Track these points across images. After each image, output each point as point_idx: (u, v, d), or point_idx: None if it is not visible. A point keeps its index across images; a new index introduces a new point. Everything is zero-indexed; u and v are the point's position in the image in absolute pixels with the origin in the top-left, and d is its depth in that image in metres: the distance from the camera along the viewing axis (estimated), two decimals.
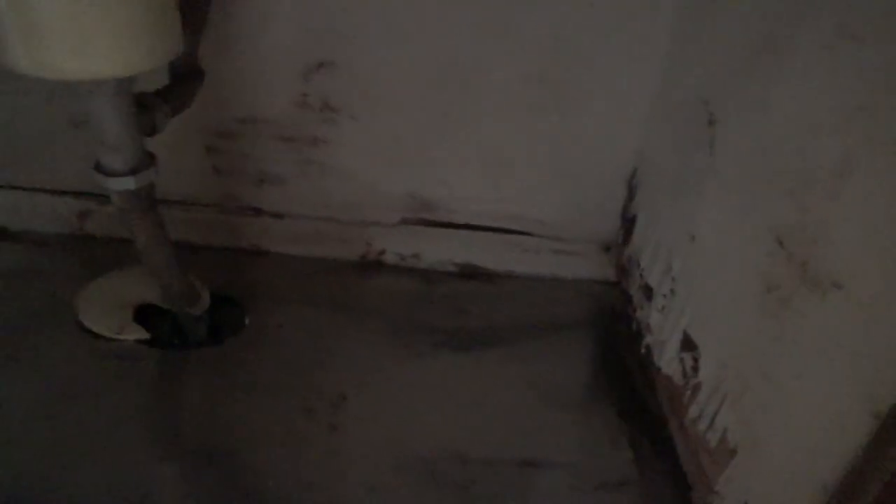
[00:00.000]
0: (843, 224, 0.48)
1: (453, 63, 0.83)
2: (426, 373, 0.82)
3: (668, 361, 0.74)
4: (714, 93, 0.69)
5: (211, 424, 0.73)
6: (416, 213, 0.94)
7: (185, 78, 0.74)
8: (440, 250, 0.95)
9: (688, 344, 0.70)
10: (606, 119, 0.86)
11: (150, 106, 0.68)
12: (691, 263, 0.71)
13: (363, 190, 0.92)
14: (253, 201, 0.93)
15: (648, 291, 0.82)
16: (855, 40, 0.50)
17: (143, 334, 0.81)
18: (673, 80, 0.79)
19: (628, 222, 0.90)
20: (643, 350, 0.82)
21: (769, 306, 0.56)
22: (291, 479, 0.68)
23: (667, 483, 0.71)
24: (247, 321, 0.85)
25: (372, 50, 0.82)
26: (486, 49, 0.82)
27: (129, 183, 0.67)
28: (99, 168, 0.67)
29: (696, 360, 0.68)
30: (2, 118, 0.87)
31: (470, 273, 0.96)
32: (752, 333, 0.58)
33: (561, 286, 0.96)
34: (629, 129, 0.87)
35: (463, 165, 0.90)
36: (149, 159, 0.69)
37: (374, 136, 0.88)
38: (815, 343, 0.50)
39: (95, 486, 0.66)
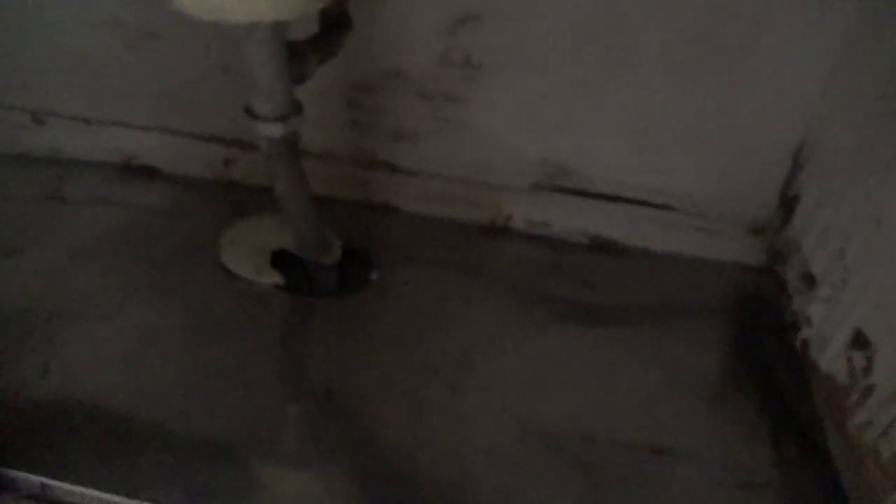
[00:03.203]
0: None
1: (605, 20, 0.77)
2: (549, 344, 0.79)
3: (831, 358, 0.66)
4: None
5: (335, 371, 0.75)
6: (550, 178, 0.90)
7: (334, 27, 0.74)
8: (572, 219, 0.91)
9: (860, 341, 0.62)
10: (772, 87, 0.78)
11: (300, 53, 0.69)
12: (874, 250, 0.63)
13: (497, 151, 0.89)
14: (388, 157, 0.93)
15: (810, 280, 0.74)
16: None
17: (279, 279, 0.83)
18: (863, 41, 0.70)
19: (789, 202, 0.81)
20: (798, 344, 0.74)
21: None
22: (409, 433, 0.68)
23: (815, 491, 0.65)
24: (374, 276, 0.86)
25: (520, 5, 0.78)
26: (643, 4, 0.76)
27: (277, 129, 0.68)
28: (250, 112, 0.69)
29: (868, 359, 0.60)
30: (160, 64, 0.91)
31: (602, 245, 0.91)
32: None
33: (701, 267, 0.89)
34: (799, 99, 0.78)
35: (604, 131, 0.85)
36: (297, 107, 0.70)
37: (514, 96, 0.84)
38: None
39: (226, 417, 0.69)
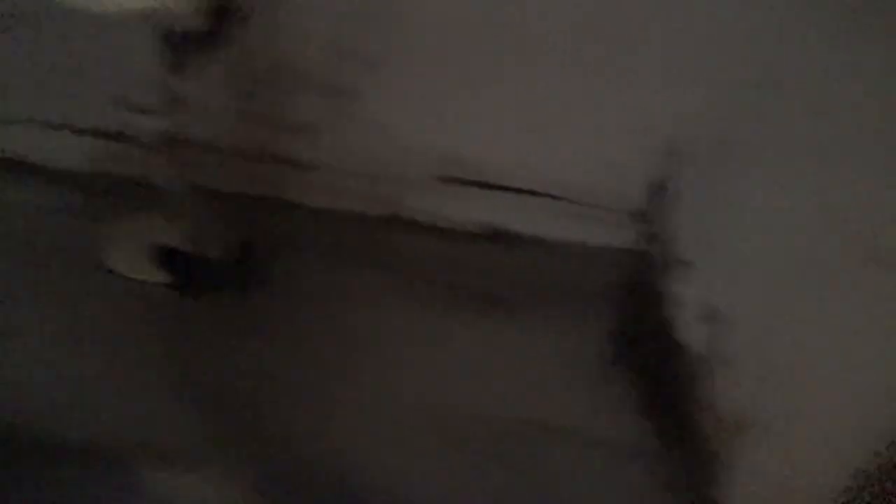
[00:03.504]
0: None
1: (499, 17, 0.80)
2: (447, 332, 0.82)
3: (693, 332, 0.73)
4: (775, 60, 0.66)
5: (228, 370, 0.74)
6: (448, 171, 0.92)
7: (222, 20, 0.72)
8: (470, 210, 0.94)
9: (716, 315, 0.68)
10: (649, 82, 0.83)
11: (185, 44, 0.67)
12: (731, 233, 0.69)
13: (395, 145, 0.90)
14: (284, 151, 0.91)
15: (677, 261, 0.81)
16: None
17: (166, 277, 0.81)
18: (736, 42, 0.75)
19: (661, 190, 0.88)
20: (667, 320, 0.80)
21: (818, 282, 0.54)
22: (303, 427, 0.69)
23: (683, 454, 0.71)
24: (272, 271, 0.85)
25: (413, 1, 0.79)
26: (533, 3, 0.79)
27: (160, 123, 0.66)
28: (131, 107, 0.66)
29: (723, 332, 0.67)
30: (33, 53, 0.85)
31: (498, 235, 0.95)
32: (791, 309, 0.57)
33: (588, 252, 0.94)
34: (672, 93, 0.84)
35: (498, 125, 0.88)
36: (181, 100, 0.68)
37: (411, 90, 0.86)
38: (864, 321, 0.48)
39: (112, 423, 0.66)
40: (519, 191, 0.93)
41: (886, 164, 0.48)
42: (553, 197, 0.93)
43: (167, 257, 0.82)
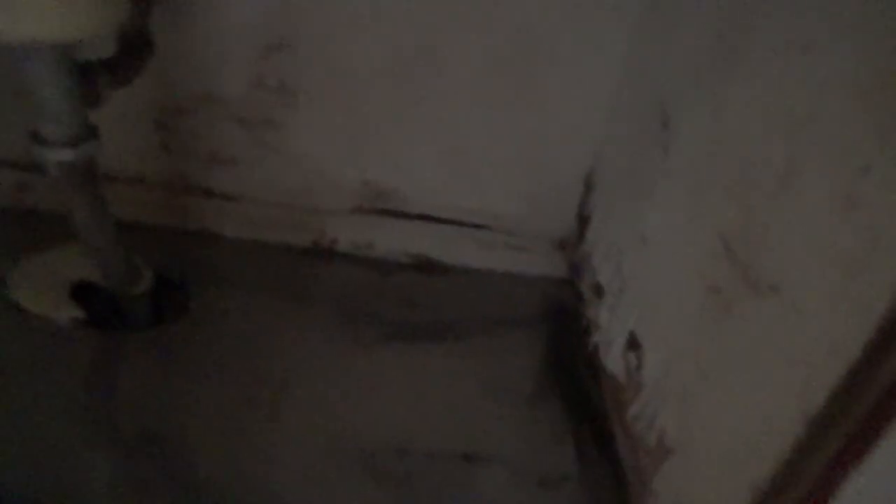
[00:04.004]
0: (784, 229, 0.49)
1: (415, 50, 0.82)
2: (373, 364, 0.81)
3: (614, 360, 0.75)
4: (670, 95, 0.70)
5: (147, 410, 0.71)
6: (371, 201, 0.93)
7: (133, 49, 0.71)
8: (394, 240, 0.94)
9: (633, 343, 0.70)
10: (566, 115, 0.86)
11: (93, 76, 0.66)
12: (641, 264, 0.72)
13: (317, 175, 0.90)
14: (203, 182, 0.90)
15: (599, 290, 0.82)
16: (806, 49, 0.50)
17: (79, 313, 0.78)
18: (633, 79, 0.80)
19: (584, 220, 0.91)
20: (591, 348, 0.82)
21: (711, 309, 0.56)
22: (225, 468, 0.67)
23: (606, 480, 0.72)
24: (191, 305, 0.83)
25: (333, 32, 0.80)
26: (448, 37, 0.81)
27: (67, 155, 0.64)
28: (37, 138, 0.64)
29: (639, 359, 0.68)
30: None
31: (423, 265, 0.95)
32: (695, 335, 0.59)
33: (514, 282, 0.96)
34: (588, 126, 0.87)
35: (420, 155, 0.89)
36: (90, 131, 0.66)
37: (331, 121, 0.86)
38: (751, 347, 0.51)
39: (21, 472, 0.63)
40: (444, 221, 0.94)
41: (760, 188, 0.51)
42: (479, 227, 0.94)
43: (81, 292, 0.79)
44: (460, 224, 0.95)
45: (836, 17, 0.47)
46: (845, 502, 0.41)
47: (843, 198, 0.44)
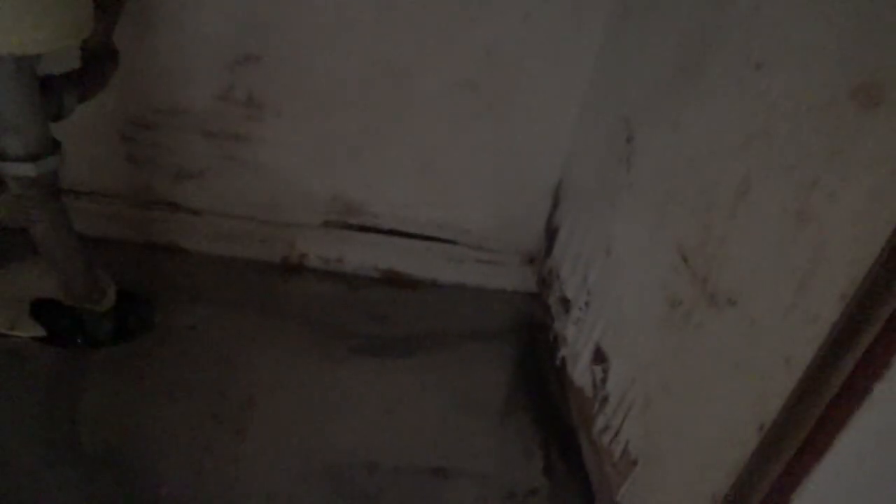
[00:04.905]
0: (740, 243, 0.50)
1: (385, 66, 0.82)
2: (342, 379, 0.81)
3: (581, 373, 0.75)
4: (634, 111, 0.71)
5: (109, 428, 0.70)
6: (341, 216, 0.93)
7: (97, 61, 0.71)
8: (364, 255, 0.94)
9: (599, 356, 0.71)
10: (534, 131, 0.87)
11: (56, 88, 0.65)
12: (606, 277, 0.73)
13: (286, 189, 0.90)
14: (169, 196, 0.89)
15: (566, 304, 0.83)
16: (759, 68, 0.52)
17: (39, 331, 0.76)
18: (599, 95, 0.81)
19: (551, 234, 0.92)
20: (558, 362, 0.83)
21: (673, 321, 0.57)
22: (189, 487, 0.66)
23: (573, 492, 0.72)
24: (156, 321, 0.82)
25: (302, 46, 0.80)
26: (418, 54, 0.82)
27: (28, 169, 0.63)
28: (0, 151, 0.63)
29: (605, 372, 0.69)
30: None
31: (393, 279, 0.95)
32: (657, 348, 0.60)
33: (484, 296, 0.96)
34: (556, 141, 0.88)
35: (390, 170, 0.90)
36: (52, 145, 0.65)
37: (300, 136, 0.86)
38: (710, 358, 0.52)
39: None
40: (414, 236, 0.94)
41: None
42: (449, 241, 0.95)
43: (42, 310, 0.77)
44: (430, 239, 0.95)
45: (787, 36, 0.49)
46: None
47: (795, 213, 0.45)
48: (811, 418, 0.40)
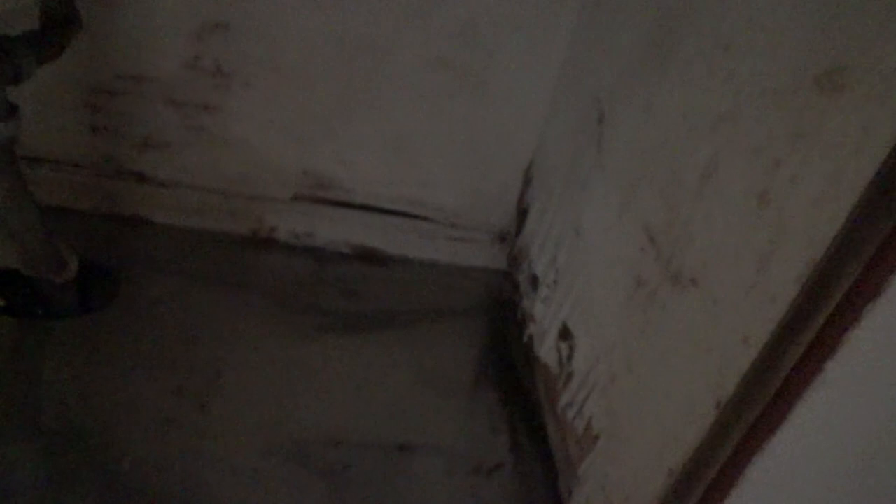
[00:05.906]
0: (703, 223, 0.51)
1: (359, 40, 0.81)
2: (309, 354, 0.80)
3: (547, 350, 0.76)
4: (606, 92, 0.71)
5: (70, 401, 0.69)
6: (312, 190, 0.92)
7: (57, 24, 0.68)
8: (335, 230, 0.93)
9: (565, 334, 0.72)
10: (507, 109, 0.87)
11: (14, 51, 0.63)
12: (574, 256, 0.73)
13: (256, 162, 0.88)
14: (135, 166, 0.87)
15: (535, 282, 0.84)
16: (727, 49, 0.52)
17: (0, 302, 0.74)
18: (572, 76, 0.81)
19: (522, 213, 0.92)
20: (526, 339, 0.83)
21: (638, 300, 0.58)
22: (151, 459, 0.65)
23: (538, 468, 0.73)
24: (121, 293, 0.80)
25: (273, 16, 0.79)
26: (394, 28, 0.80)
27: None
28: None
29: (571, 349, 0.70)
30: None
31: (364, 255, 0.95)
32: (622, 326, 0.60)
33: (455, 273, 0.96)
34: (528, 120, 0.88)
35: (362, 144, 0.89)
36: (10, 110, 0.63)
37: (270, 107, 0.84)
38: (672, 337, 0.53)
39: None
40: (386, 212, 0.94)
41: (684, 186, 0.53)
42: (421, 218, 0.94)
43: (4, 280, 0.75)
44: (402, 215, 0.94)
45: (755, 18, 0.49)
46: (752, 484, 0.43)
47: (758, 194, 0.46)
48: (766, 396, 0.41)
